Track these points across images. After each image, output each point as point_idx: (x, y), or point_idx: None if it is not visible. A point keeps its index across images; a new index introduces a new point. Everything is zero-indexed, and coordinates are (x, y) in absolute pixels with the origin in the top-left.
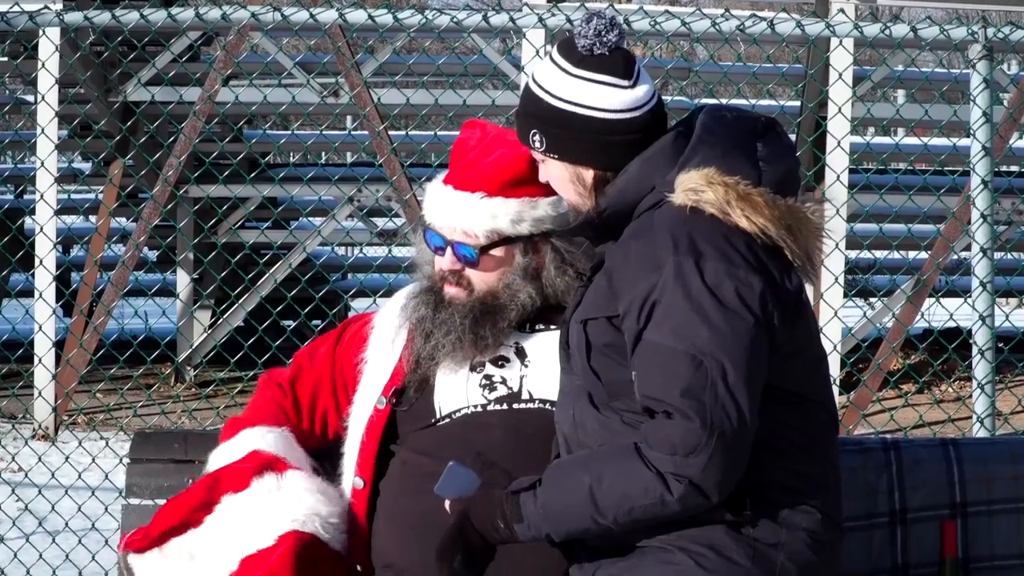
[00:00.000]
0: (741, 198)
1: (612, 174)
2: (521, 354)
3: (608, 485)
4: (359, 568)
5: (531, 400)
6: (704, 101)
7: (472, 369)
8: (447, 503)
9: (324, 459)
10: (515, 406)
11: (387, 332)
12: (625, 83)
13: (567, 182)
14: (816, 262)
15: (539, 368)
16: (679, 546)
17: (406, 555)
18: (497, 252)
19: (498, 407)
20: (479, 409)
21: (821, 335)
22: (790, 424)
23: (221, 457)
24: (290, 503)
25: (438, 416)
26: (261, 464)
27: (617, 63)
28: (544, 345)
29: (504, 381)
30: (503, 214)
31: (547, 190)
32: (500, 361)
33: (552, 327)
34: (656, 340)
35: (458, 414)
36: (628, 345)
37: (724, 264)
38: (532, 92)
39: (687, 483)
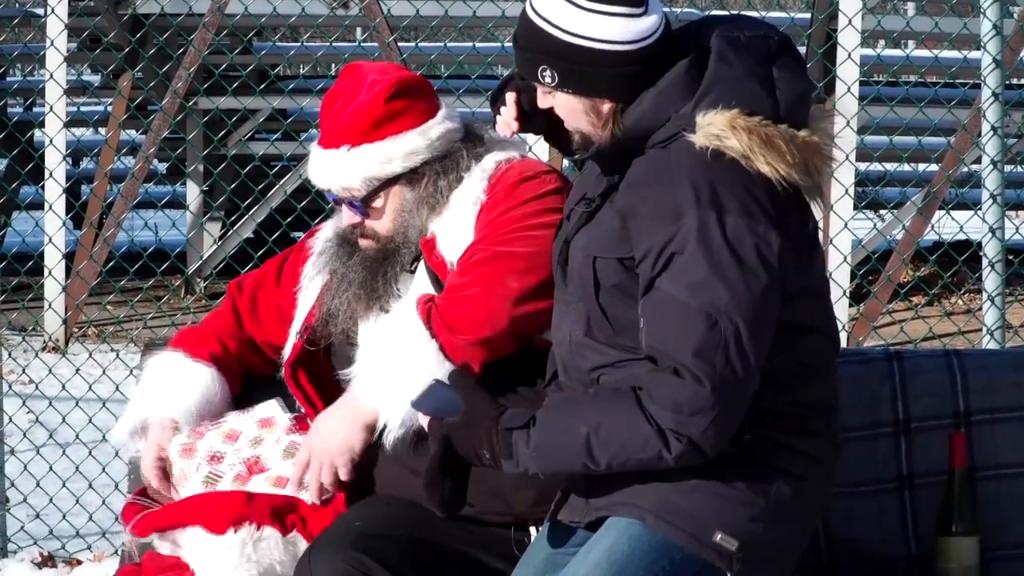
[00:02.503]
0: (764, 143)
1: (626, 105)
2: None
3: (606, 435)
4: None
5: None
6: (714, 13)
7: (383, 311)
8: (423, 419)
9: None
10: None
11: (311, 268)
12: (637, 11)
13: (580, 114)
14: (826, 190)
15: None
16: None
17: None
18: (380, 199)
19: None
20: None
21: (831, 246)
22: (789, 355)
23: (146, 377)
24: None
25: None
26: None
27: None
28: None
29: None
30: (371, 159)
31: (411, 123)
32: None
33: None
34: (671, 292)
35: None
36: (641, 289)
37: (745, 219)
38: (537, 26)
39: (687, 441)
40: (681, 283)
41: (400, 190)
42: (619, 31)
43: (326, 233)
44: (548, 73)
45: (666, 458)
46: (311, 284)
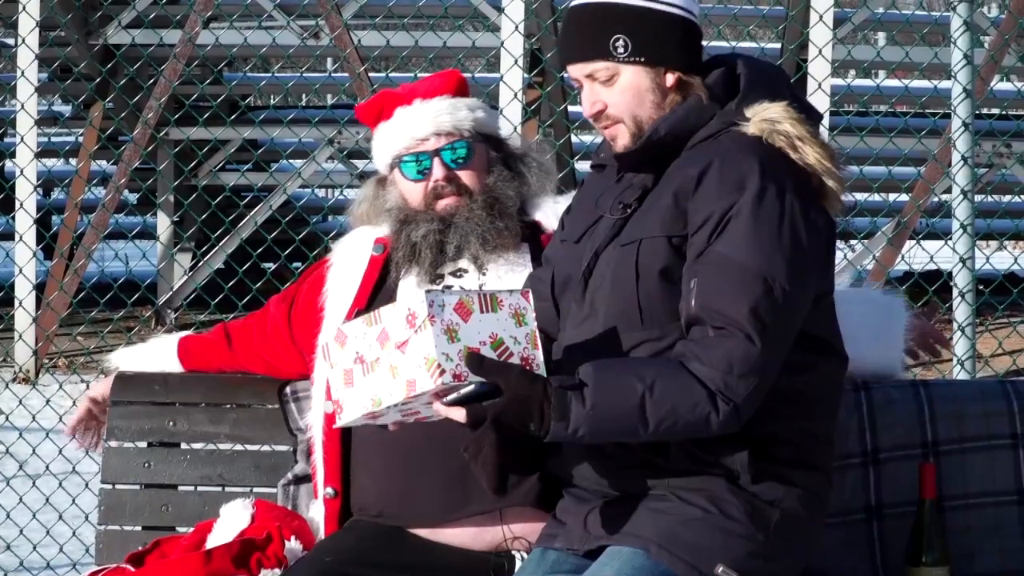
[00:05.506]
0: (810, 134)
1: (691, 77)
2: (479, 264)
3: (659, 394)
4: (330, 490)
5: None
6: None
7: (432, 281)
8: (457, 413)
9: None
10: None
11: (346, 266)
12: None
13: (645, 92)
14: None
15: (495, 281)
16: (678, 496)
17: (383, 496)
18: (482, 146)
19: None
20: None
21: None
22: (803, 375)
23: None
24: None
25: None
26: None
27: None
28: (500, 262)
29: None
30: (475, 107)
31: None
32: (459, 272)
33: (508, 252)
34: (729, 254)
35: None
36: (690, 257)
37: (800, 200)
38: (605, 2)
39: (732, 406)
40: (741, 247)
41: (488, 148)
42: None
43: (349, 244)
44: (621, 42)
45: (712, 422)
46: (353, 275)
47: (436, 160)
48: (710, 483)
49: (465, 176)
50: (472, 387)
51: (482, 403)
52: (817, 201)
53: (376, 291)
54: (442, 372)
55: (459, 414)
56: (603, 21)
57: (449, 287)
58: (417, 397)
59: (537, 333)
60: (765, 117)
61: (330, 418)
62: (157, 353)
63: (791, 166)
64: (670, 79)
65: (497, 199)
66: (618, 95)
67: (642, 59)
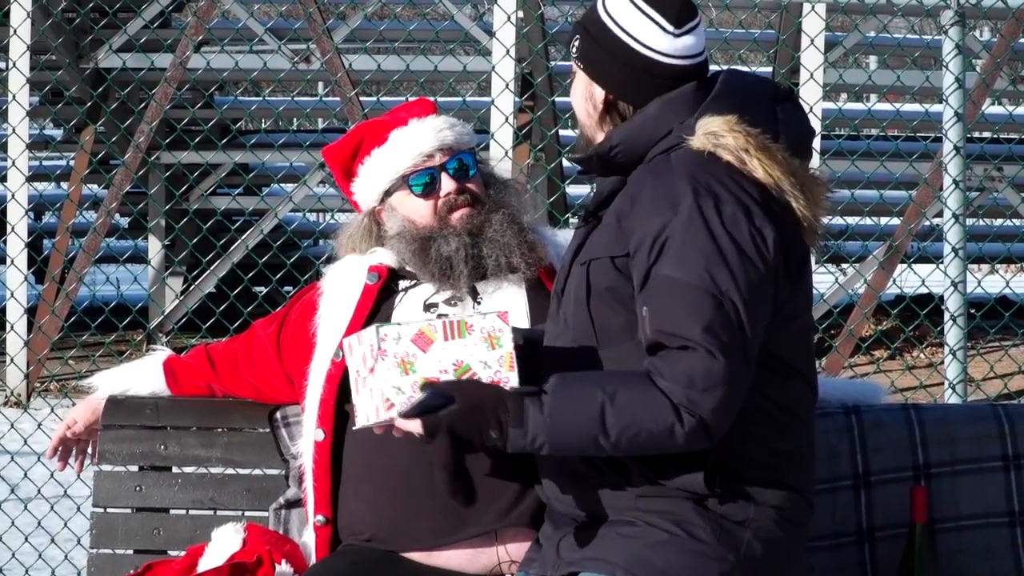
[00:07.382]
0: (760, 148)
1: (623, 105)
2: (474, 293)
3: (621, 402)
4: (321, 518)
5: None
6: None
7: (426, 309)
8: (412, 425)
9: None
10: None
11: (339, 293)
12: (671, 28)
13: (581, 97)
14: (821, 228)
15: (490, 307)
16: (645, 520)
17: (376, 521)
18: (483, 161)
19: None
20: None
21: None
22: (771, 395)
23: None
24: None
25: None
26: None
27: (672, 6)
28: (495, 289)
29: None
30: (465, 126)
31: None
32: (453, 300)
33: (506, 279)
34: (674, 275)
35: None
36: (636, 283)
37: (741, 209)
38: (594, 2)
39: (698, 419)
40: (684, 265)
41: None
42: (644, 33)
43: (343, 267)
44: (577, 41)
45: (677, 433)
46: (348, 298)
47: (443, 174)
48: (676, 506)
49: (474, 186)
50: (426, 396)
51: (437, 413)
52: (773, 210)
53: (370, 320)
54: (391, 406)
55: (415, 426)
56: (584, 18)
57: (444, 315)
58: (388, 420)
59: (513, 355)
60: (708, 131)
61: (319, 445)
62: (140, 375)
63: (737, 179)
64: (599, 97)
65: (513, 216)
66: (573, 89)
67: (582, 65)
